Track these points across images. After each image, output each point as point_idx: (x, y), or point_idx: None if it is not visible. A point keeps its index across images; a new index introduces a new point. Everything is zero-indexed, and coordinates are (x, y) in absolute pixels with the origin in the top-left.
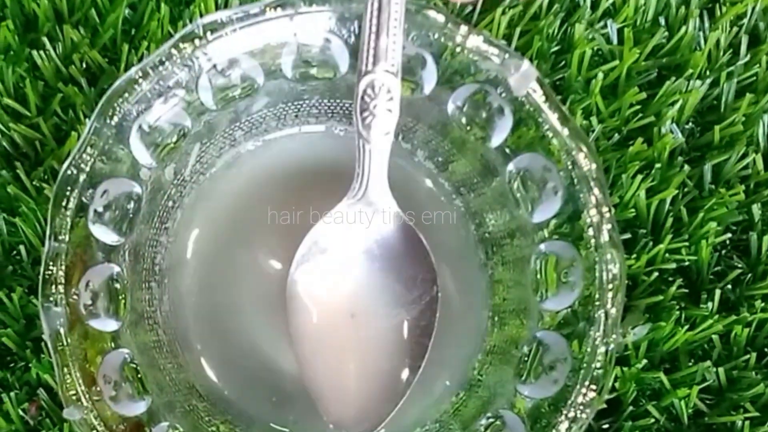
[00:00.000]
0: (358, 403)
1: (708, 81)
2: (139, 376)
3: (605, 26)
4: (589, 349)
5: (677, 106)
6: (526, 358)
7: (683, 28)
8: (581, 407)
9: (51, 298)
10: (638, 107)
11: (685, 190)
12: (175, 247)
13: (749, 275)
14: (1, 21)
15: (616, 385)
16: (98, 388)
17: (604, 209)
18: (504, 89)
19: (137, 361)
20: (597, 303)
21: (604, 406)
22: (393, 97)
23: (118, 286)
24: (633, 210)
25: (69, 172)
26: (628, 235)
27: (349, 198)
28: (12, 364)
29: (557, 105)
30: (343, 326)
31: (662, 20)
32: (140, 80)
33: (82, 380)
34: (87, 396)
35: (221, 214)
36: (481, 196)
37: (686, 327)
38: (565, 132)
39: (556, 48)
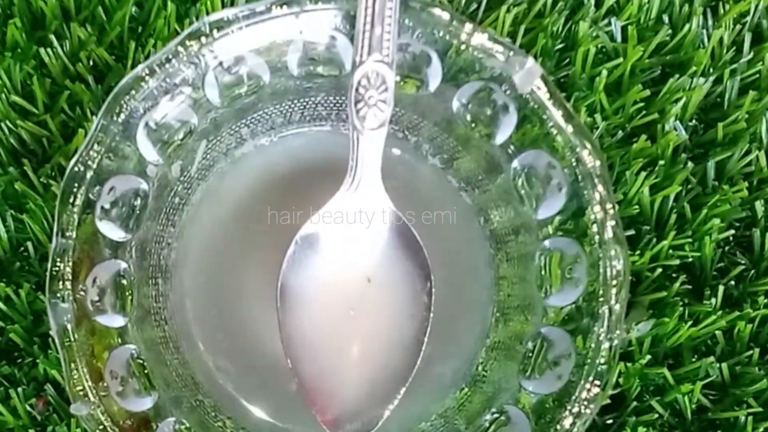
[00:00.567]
0: (354, 403)
1: (711, 78)
2: (145, 371)
3: (609, 24)
4: (593, 345)
5: (681, 103)
6: (530, 354)
7: (687, 26)
8: (585, 403)
9: (58, 294)
10: (642, 104)
11: (689, 186)
12: (181, 244)
13: (752, 271)
14: (9, 19)
15: (620, 380)
16: (105, 384)
17: (608, 206)
18: (508, 86)
19: (144, 356)
20: (601, 299)
21: (608, 401)
22: (387, 88)
23: (124, 282)
24: (637, 207)
25: (76, 169)
26: (631, 232)
27: (342, 192)
28: (19, 360)
29: (561, 102)
30: (338, 323)
31: (666, 18)
32: (147, 78)
33: (89, 376)
34: (94, 391)
35: (227, 210)
36: (485, 193)
37: (690, 323)
38: (570, 129)
39: (560, 45)
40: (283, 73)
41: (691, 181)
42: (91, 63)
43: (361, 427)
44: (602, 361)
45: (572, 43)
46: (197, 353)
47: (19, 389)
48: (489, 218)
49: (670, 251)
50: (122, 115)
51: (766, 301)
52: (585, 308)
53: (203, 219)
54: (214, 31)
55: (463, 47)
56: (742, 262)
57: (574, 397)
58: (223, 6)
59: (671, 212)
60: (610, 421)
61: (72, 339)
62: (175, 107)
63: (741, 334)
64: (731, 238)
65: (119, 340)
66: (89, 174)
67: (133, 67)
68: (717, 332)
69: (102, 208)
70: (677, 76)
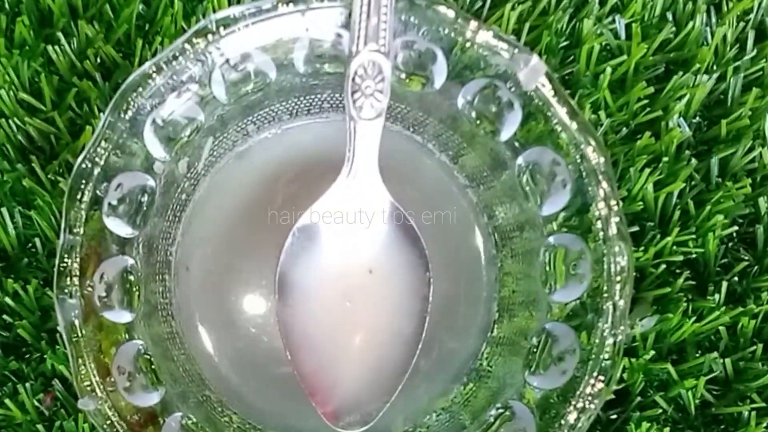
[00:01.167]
0: (354, 394)
1: (715, 76)
2: (152, 367)
3: (613, 22)
4: (597, 341)
5: (684, 100)
6: (535, 350)
7: (690, 24)
8: (590, 398)
9: (66, 290)
10: (646, 101)
11: (692, 183)
12: (187, 240)
13: (756, 267)
14: (17, 16)
15: (624, 376)
16: (112, 379)
17: (612, 202)
18: (513, 84)
19: (151, 352)
20: (605, 295)
21: (612, 396)
22: (384, 78)
23: (132, 278)
24: (641, 203)
25: (83, 165)
26: (636, 228)
27: (339, 182)
28: (27, 355)
29: (566, 99)
30: (336, 314)
31: (669, 16)
32: (154, 75)
33: (96, 371)
34: (101, 387)
35: (234, 206)
36: (490, 190)
37: (693, 319)
38: (574, 126)
39: (564, 43)
40: (289, 70)
41: (695, 177)
42: (99, 60)
43: (360, 418)
44: (606, 356)
45: (576, 41)
46: (204, 349)
47: (27, 384)
48: (494, 215)
49: (674, 247)
50: (129, 112)
51: None
52: (589, 304)
53: (209, 215)
54: (221, 28)
55: (468, 45)
56: (746, 258)
57: (578, 393)
58: (230, 4)
59: (675, 209)
60: (614, 416)
61: (79, 334)
62: (182, 104)
63: (744, 330)
64: (734, 235)
65: (126, 336)
66: (96, 171)
67: (140, 64)
68: (720, 328)
69: (109, 204)
70: (681, 73)
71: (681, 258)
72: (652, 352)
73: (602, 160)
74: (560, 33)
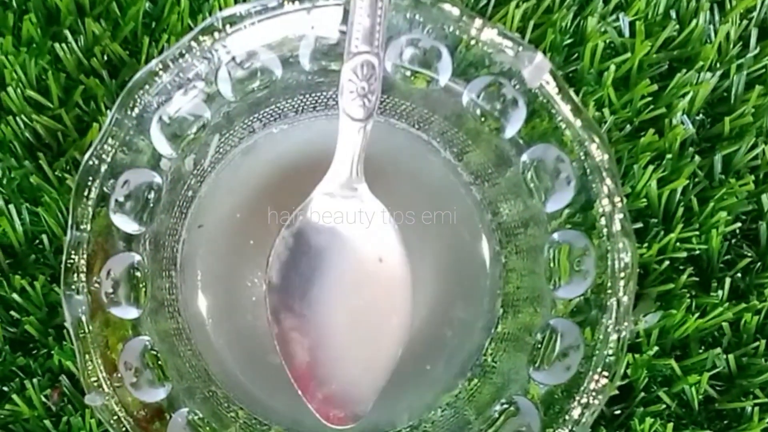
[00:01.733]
0: (343, 388)
1: (718, 73)
2: (159, 362)
3: (617, 19)
4: (601, 337)
5: (688, 97)
6: (539, 345)
7: (694, 21)
8: (594, 393)
9: (73, 286)
10: (650, 99)
11: (696, 180)
12: (194, 236)
13: (759, 264)
14: (24, 14)
15: (628, 371)
16: (119, 375)
17: (616, 199)
18: (518, 81)
19: (157, 348)
20: (609, 291)
21: (616, 392)
22: (376, 79)
23: (138, 274)
24: (644, 200)
25: (90, 162)
26: (639, 225)
27: (327, 181)
28: (34, 351)
29: (570, 97)
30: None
31: (673, 13)
32: (160, 72)
33: (103, 367)
34: (108, 382)
35: (240, 203)
36: (495, 186)
37: (697, 315)
38: (578, 123)
39: (569, 41)
40: (295, 67)
41: (698, 174)
42: (106, 58)
43: (352, 413)
44: (610, 352)
45: (581, 39)
46: (210, 344)
47: (34, 380)
48: (498, 211)
49: (678, 244)
50: (136, 110)
51: None
52: (593, 300)
53: (215, 211)
54: (227, 26)
55: (472, 42)
56: (749, 254)
57: (582, 388)
58: (236, 2)
59: (678, 205)
60: (618, 412)
61: (86, 330)
62: (188, 102)
63: (747, 326)
64: (738, 231)
65: (133, 332)
66: (103, 167)
67: (146, 62)
68: (724, 324)
69: (116, 201)
70: (684, 70)
71: (684, 254)
72: (656, 348)
73: (606, 157)
74: (564, 31)
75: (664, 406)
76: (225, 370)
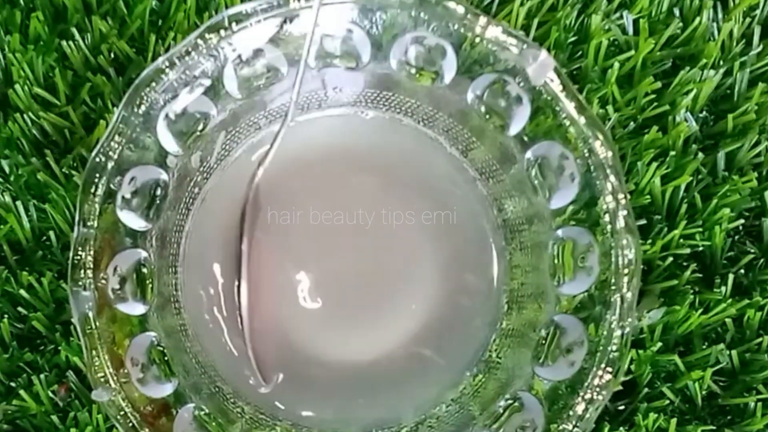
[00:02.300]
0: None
1: (721, 71)
2: (165, 358)
3: (621, 17)
4: (605, 333)
5: (691, 95)
6: (543, 341)
7: (697, 19)
8: (597, 389)
9: (80, 283)
10: (653, 96)
11: (699, 177)
12: (200, 233)
13: (762, 260)
14: (32, 12)
15: (632, 367)
16: (126, 371)
17: (620, 196)
18: (522, 79)
19: (164, 344)
20: (613, 287)
21: (620, 387)
22: None
23: (145, 270)
24: (648, 196)
25: (97, 159)
26: (643, 221)
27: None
28: (42, 347)
29: (574, 94)
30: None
31: (677, 11)
32: (167, 70)
33: (110, 363)
34: (115, 378)
35: (244, 198)
36: (500, 183)
37: (700, 311)
38: (582, 120)
39: (573, 38)
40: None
41: (702, 171)
42: (112, 55)
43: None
44: (614, 348)
45: (585, 36)
46: (216, 340)
47: (42, 376)
48: (503, 208)
49: (681, 240)
50: (143, 107)
51: None
52: (597, 296)
53: (221, 207)
54: (233, 24)
55: (477, 40)
56: (752, 251)
57: (586, 384)
58: (242, 0)
59: (682, 202)
60: (622, 407)
61: (93, 326)
62: (194, 99)
63: (750, 322)
64: (741, 228)
65: (140, 328)
66: (110, 164)
67: (153, 59)
68: (727, 320)
69: (123, 198)
70: (688, 68)
71: (688, 251)
72: (660, 344)
73: (610, 154)
74: (568, 28)
75: (667, 401)
76: (230, 366)
